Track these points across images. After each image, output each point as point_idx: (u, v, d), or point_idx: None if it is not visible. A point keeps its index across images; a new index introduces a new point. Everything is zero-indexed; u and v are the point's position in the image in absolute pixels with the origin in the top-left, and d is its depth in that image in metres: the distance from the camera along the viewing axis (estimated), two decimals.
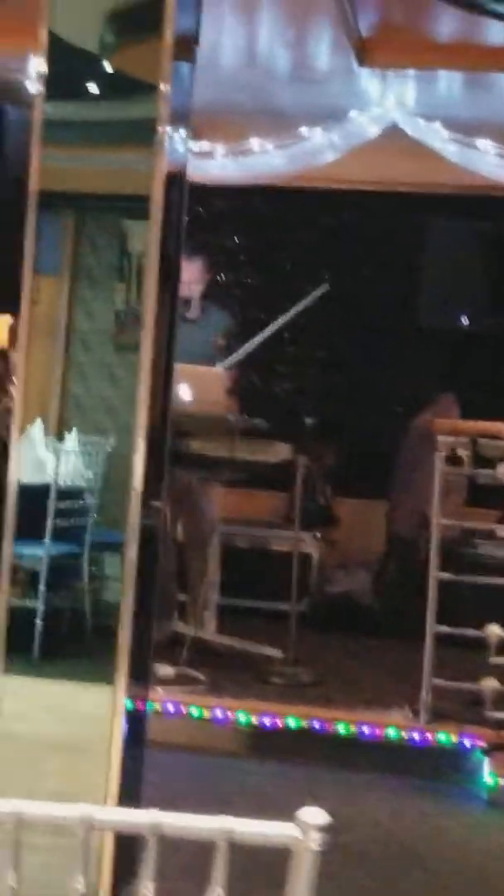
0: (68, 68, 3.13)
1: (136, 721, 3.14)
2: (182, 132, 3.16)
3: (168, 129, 2.99)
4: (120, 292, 8.25)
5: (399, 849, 4.21)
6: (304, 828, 1.37)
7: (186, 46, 3.12)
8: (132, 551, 3.05)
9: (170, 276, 3.17)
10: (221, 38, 5.38)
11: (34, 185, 3.04)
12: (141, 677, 3.20)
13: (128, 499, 3.05)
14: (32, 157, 3.04)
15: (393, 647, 6.30)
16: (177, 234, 3.21)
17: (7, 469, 6.01)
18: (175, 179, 3.10)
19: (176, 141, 3.09)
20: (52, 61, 3.04)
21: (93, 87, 3.08)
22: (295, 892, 1.37)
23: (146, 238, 3.03)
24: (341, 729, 5.02)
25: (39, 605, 5.00)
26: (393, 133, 6.24)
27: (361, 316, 8.00)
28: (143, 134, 3.00)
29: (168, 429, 3.29)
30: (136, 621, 3.08)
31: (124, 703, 2.99)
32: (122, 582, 3.04)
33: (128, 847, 2.98)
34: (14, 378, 7.76)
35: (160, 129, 2.97)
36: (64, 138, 3.17)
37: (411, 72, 5.85)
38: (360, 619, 6.80)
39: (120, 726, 2.99)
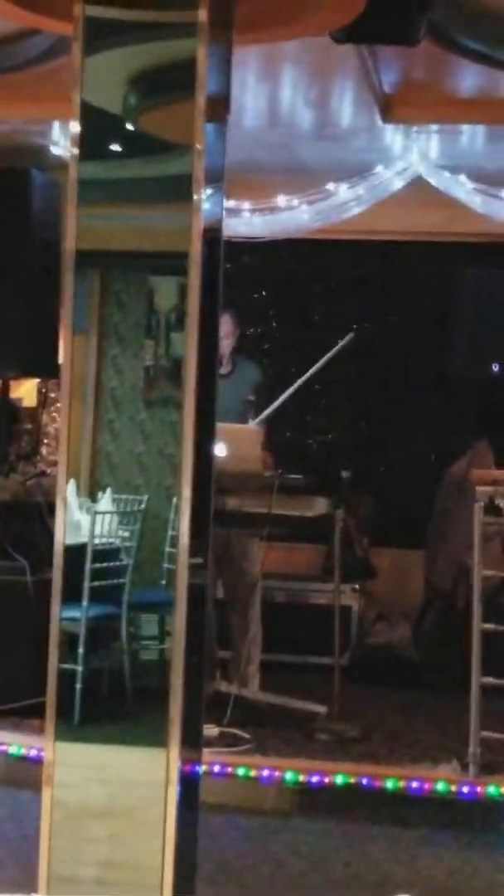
0: (101, 131, 3.16)
1: (189, 785, 3.10)
2: (216, 190, 3.18)
3: (203, 187, 3.00)
4: (149, 349, 8.31)
5: None
6: None
7: (218, 108, 3.15)
8: (181, 611, 3.02)
9: (208, 333, 3.17)
10: (245, 98, 5.43)
11: (70, 245, 3.06)
12: (193, 741, 3.17)
13: (170, 559, 3.03)
14: (68, 217, 3.05)
15: (436, 700, 6.24)
16: (214, 290, 3.21)
17: (42, 532, 6.00)
18: (211, 236, 3.11)
19: (211, 199, 3.10)
20: (85, 126, 3.07)
21: (128, 149, 3.11)
22: None
23: (187, 296, 3.04)
24: (389, 784, 4.95)
25: (79, 668, 4.97)
26: (419, 184, 6.27)
27: (393, 366, 7.99)
28: (179, 192, 3.02)
29: (211, 486, 3.27)
30: (187, 683, 3.04)
31: (177, 767, 2.95)
32: (172, 643, 3.01)
33: None
34: (45, 440, 7.79)
35: (196, 187, 2.98)
36: (99, 198, 3.19)
37: (434, 126, 5.89)
38: (401, 671, 6.73)
39: (174, 791, 2.95)
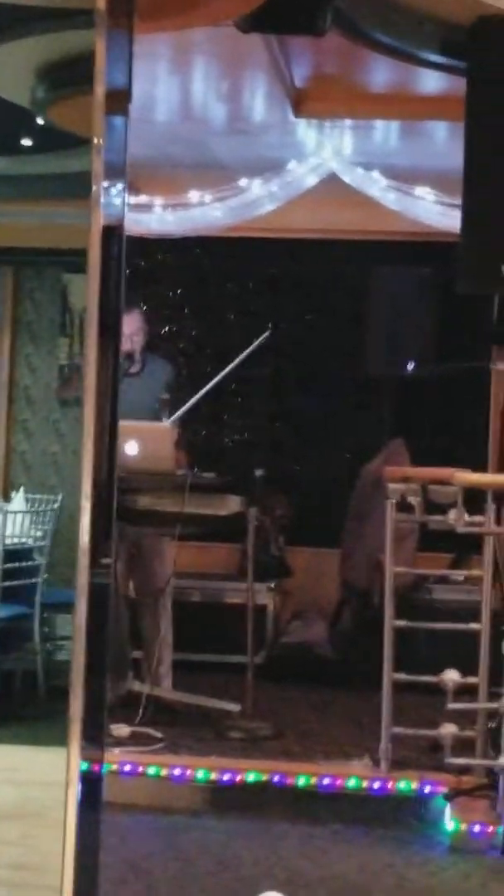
0: (8, 125, 3.12)
1: (91, 784, 3.06)
2: (118, 186, 3.15)
3: (104, 182, 2.97)
4: (63, 347, 8.24)
5: None
6: None
7: (119, 100, 3.11)
8: (82, 611, 2.99)
9: (111, 330, 3.14)
10: (156, 92, 5.40)
11: None
12: (95, 739, 3.14)
13: (76, 558, 3.00)
14: None
15: (351, 697, 6.27)
16: (117, 287, 3.18)
17: None
18: (112, 233, 3.08)
19: (112, 194, 3.07)
20: None
21: (28, 143, 3.07)
22: None
23: (86, 292, 3.01)
24: (301, 782, 4.96)
25: None
26: (332, 182, 6.29)
27: (307, 365, 8.01)
28: (79, 188, 2.98)
29: (114, 485, 3.24)
30: (89, 682, 3.01)
31: (78, 766, 2.92)
32: (73, 643, 2.98)
33: None
34: None
35: (96, 183, 2.95)
36: (4, 194, 3.15)
37: (348, 121, 5.90)
38: (317, 669, 6.74)
39: (75, 791, 2.92)
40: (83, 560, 3.00)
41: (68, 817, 2.90)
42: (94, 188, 2.95)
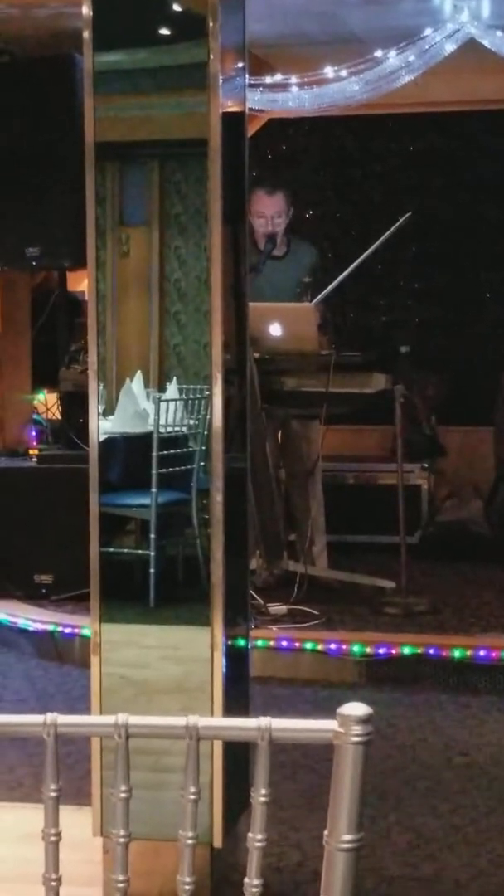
0: (115, 14, 3.07)
1: (236, 659, 3.19)
2: (237, 67, 3.14)
3: (220, 65, 2.96)
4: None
5: None
6: (345, 721, 1.38)
7: None
8: (218, 494, 3.09)
9: (234, 217, 3.16)
10: None
11: (90, 137, 3.05)
12: (239, 616, 3.25)
13: (211, 444, 3.09)
14: (86, 108, 3.04)
15: None
16: (240, 174, 3.20)
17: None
18: (232, 118, 3.09)
19: (231, 78, 3.07)
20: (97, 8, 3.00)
21: (167, 32, 3.05)
22: (340, 787, 1.38)
23: (208, 181, 3.03)
24: (457, 654, 5.01)
25: (152, 554, 5.09)
26: (472, 48, 6.09)
27: (455, 242, 7.88)
28: (195, 75, 2.99)
29: (246, 371, 3.30)
30: (229, 563, 3.12)
31: (221, 641, 3.04)
32: (211, 526, 3.09)
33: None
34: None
35: (214, 64, 2.95)
36: (117, 87, 3.14)
37: None
38: (472, 546, 6.75)
39: (220, 665, 3.04)
40: (216, 446, 3.09)
41: (214, 689, 3.03)
42: (210, 71, 2.95)
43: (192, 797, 1.45)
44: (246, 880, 1.45)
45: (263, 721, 1.41)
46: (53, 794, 1.47)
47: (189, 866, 1.47)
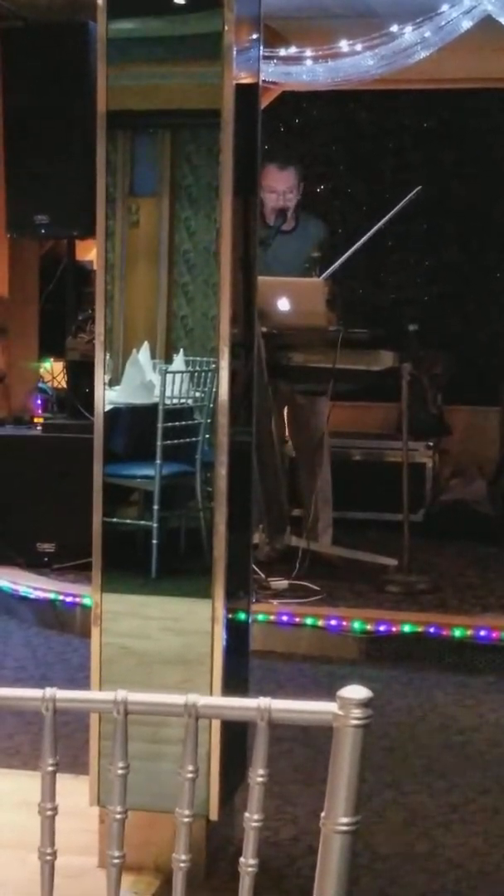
0: None
1: (237, 632, 3.19)
2: (252, 38, 3.11)
3: (234, 36, 2.94)
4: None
5: None
6: (345, 704, 1.37)
7: None
8: (222, 468, 3.08)
9: (246, 190, 3.15)
10: None
11: (101, 105, 3.03)
12: (240, 589, 3.25)
13: (216, 417, 3.08)
14: (99, 76, 3.02)
15: None
16: (252, 146, 3.18)
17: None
18: (246, 90, 3.06)
19: (245, 49, 3.04)
20: None
21: (181, 1, 3.02)
22: (339, 769, 1.38)
23: (220, 153, 3.01)
24: (457, 633, 5.02)
25: (155, 525, 5.09)
26: (489, 26, 6.04)
27: (465, 219, 7.84)
28: (209, 45, 2.96)
29: (253, 345, 3.28)
30: (231, 537, 3.12)
31: (222, 614, 3.04)
32: (214, 499, 3.08)
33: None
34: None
35: (226, 37, 2.93)
36: (131, 56, 3.11)
37: None
38: (476, 526, 6.75)
39: (220, 637, 3.04)
40: (222, 419, 3.08)
41: (214, 661, 3.03)
42: (224, 42, 2.93)
43: (190, 775, 1.45)
44: (242, 860, 1.45)
45: (263, 702, 1.41)
46: (51, 768, 1.47)
47: (185, 844, 1.47)
